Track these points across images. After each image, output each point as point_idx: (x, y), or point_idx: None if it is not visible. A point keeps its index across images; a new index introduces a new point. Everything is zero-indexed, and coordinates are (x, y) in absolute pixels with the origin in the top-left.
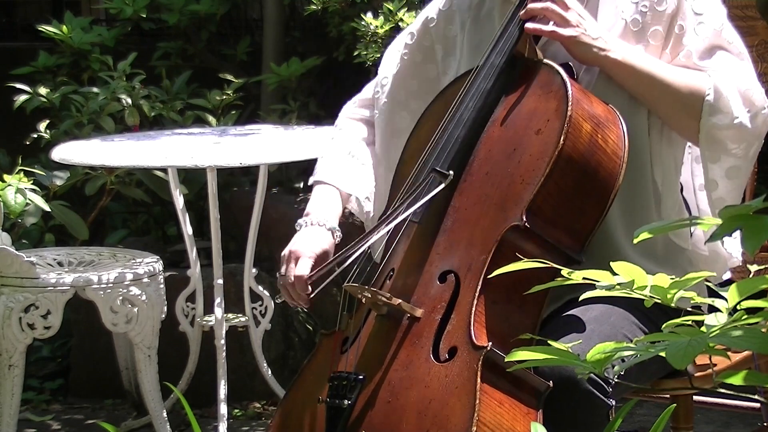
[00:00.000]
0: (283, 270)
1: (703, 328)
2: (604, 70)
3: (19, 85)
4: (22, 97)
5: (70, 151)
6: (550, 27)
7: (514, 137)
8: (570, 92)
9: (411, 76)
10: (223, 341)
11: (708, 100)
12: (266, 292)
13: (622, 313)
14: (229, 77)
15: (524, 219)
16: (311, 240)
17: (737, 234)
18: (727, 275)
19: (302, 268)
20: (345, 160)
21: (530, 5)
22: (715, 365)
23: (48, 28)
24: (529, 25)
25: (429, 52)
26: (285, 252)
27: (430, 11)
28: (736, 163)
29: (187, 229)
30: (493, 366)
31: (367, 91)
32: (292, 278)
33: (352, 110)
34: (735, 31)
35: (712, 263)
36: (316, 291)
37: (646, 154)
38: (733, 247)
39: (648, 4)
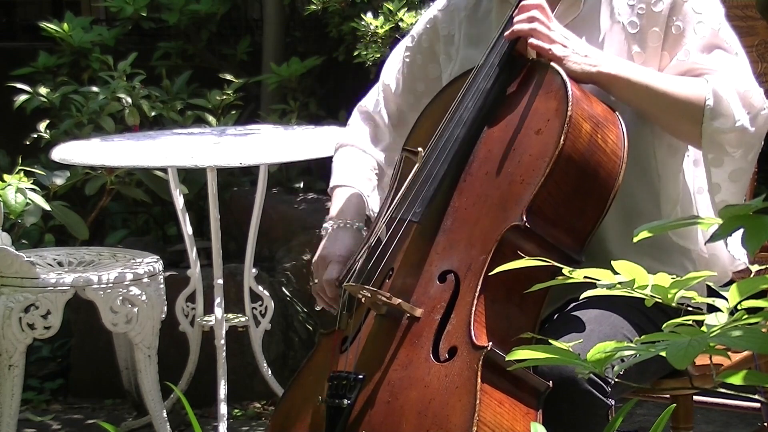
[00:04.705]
0: (315, 278)
1: (704, 328)
2: (599, 85)
3: (19, 85)
4: (22, 97)
5: (70, 151)
6: (540, 42)
7: (513, 137)
8: (570, 92)
9: (416, 78)
10: (223, 341)
11: (708, 105)
12: (266, 292)
13: (621, 313)
14: (229, 77)
15: (524, 219)
16: (336, 243)
17: (738, 237)
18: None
19: (330, 272)
20: (361, 167)
21: (516, 27)
22: (716, 365)
23: (49, 26)
24: (528, 37)
25: (428, 53)
26: (315, 259)
27: (431, 12)
28: (739, 165)
29: (187, 229)
30: (493, 366)
31: (371, 98)
32: (324, 284)
33: (358, 128)
34: (732, 31)
35: (712, 266)
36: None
37: (651, 158)
38: (737, 249)
39: (644, 6)
